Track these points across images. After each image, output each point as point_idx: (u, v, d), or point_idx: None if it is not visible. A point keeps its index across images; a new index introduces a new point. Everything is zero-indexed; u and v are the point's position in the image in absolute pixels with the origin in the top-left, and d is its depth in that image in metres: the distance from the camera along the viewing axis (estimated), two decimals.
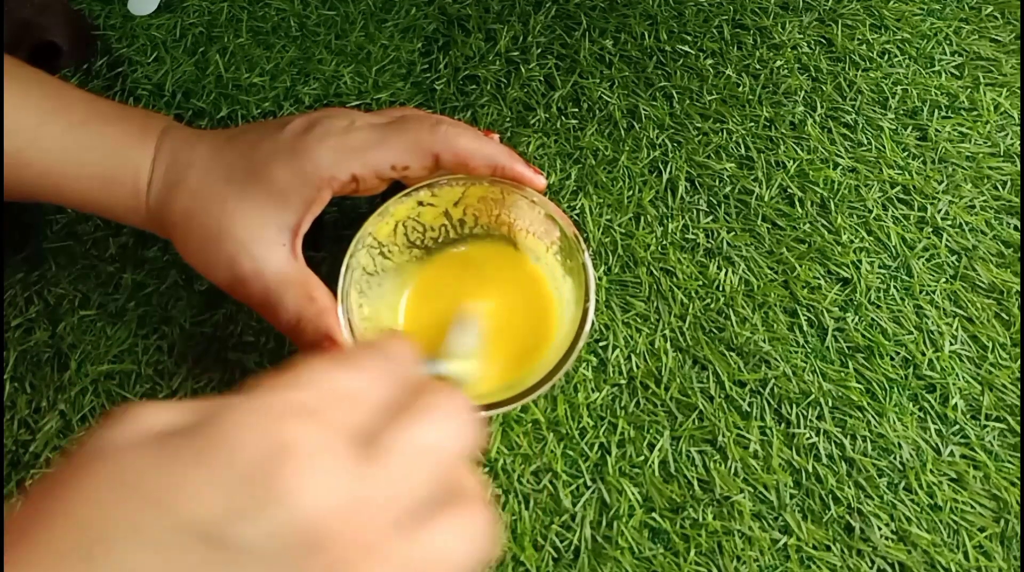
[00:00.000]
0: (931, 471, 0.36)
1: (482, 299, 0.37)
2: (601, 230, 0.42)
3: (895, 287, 0.41)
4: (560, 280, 0.36)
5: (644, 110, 0.46)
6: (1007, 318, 0.40)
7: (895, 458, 0.37)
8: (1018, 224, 0.42)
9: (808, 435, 0.37)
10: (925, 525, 0.35)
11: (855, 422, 0.37)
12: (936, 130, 0.45)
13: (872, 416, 0.37)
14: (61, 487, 0.17)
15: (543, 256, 0.37)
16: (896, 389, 0.38)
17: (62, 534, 0.16)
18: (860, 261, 0.41)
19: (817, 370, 0.39)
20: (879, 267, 0.41)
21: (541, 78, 0.47)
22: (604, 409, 0.38)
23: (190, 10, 0.49)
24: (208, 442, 0.17)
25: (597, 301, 0.39)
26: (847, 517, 0.35)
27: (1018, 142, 0.45)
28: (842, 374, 0.38)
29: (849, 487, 0.36)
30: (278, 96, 0.46)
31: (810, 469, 0.36)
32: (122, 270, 0.42)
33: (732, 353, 0.39)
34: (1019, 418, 0.37)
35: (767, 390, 0.38)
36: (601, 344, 0.39)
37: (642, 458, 0.37)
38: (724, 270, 0.41)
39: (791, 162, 0.44)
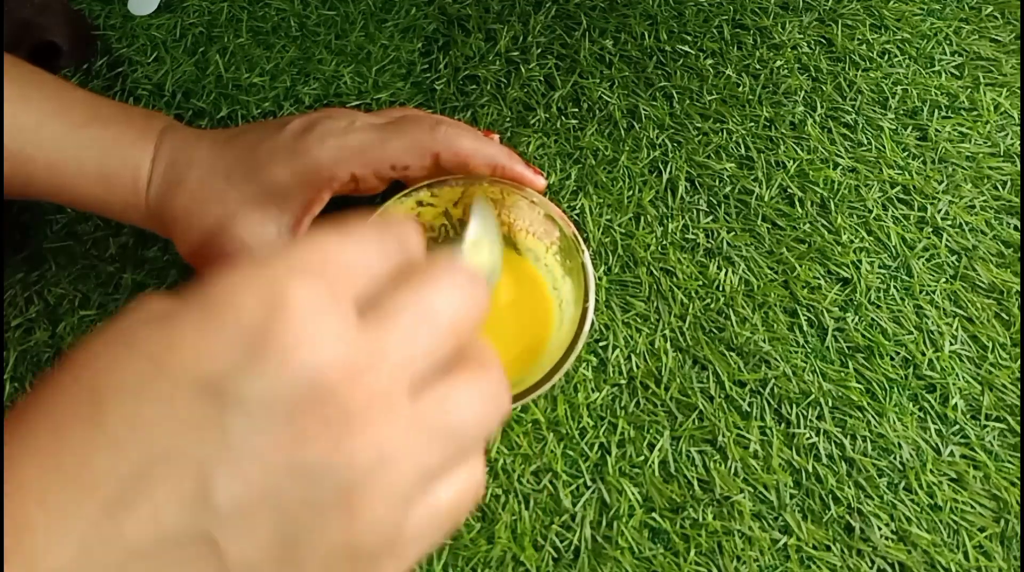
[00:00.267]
0: (931, 471, 0.36)
1: None
2: (601, 230, 0.42)
3: (895, 287, 0.41)
4: (560, 280, 0.36)
5: (644, 110, 0.46)
6: (1007, 318, 0.40)
7: (895, 458, 0.37)
8: (1018, 224, 0.42)
9: (808, 435, 0.37)
10: (925, 525, 0.35)
11: (855, 422, 0.37)
12: (936, 130, 0.45)
13: (872, 416, 0.37)
14: (70, 364, 0.17)
15: (543, 256, 0.37)
16: (896, 389, 0.38)
17: (70, 398, 0.16)
18: (860, 261, 0.41)
19: (817, 370, 0.39)
20: (879, 267, 0.41)
21: (541, 78, 0.47)
22: (604, 409, 0.38)
23: (190, 10, 0.49)
24: (208, 303, 0.17)
25: (597, 301, 0.39)
26: (847, 517, 0.35)
27: (1018, 142, 0.45)
28: (842, 374, 0.38)
29: (849, 487, 0.36)
30: (278, 96, 0.46)
31: (810, 469, 0.36)
32: (122, 270, 0.42)
33: (732, 353, 0.39)
34: (1019, 418, 0.37)
35: (767, 390, 0.38)
36: (601, 344, 0.39)
37: (642, 458, 0.37)
38: (724, 270, 0.41)
39: (791, 162, 0.44)
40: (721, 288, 0.41)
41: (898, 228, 0.42)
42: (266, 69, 0.47)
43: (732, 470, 0.36)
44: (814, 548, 0.35)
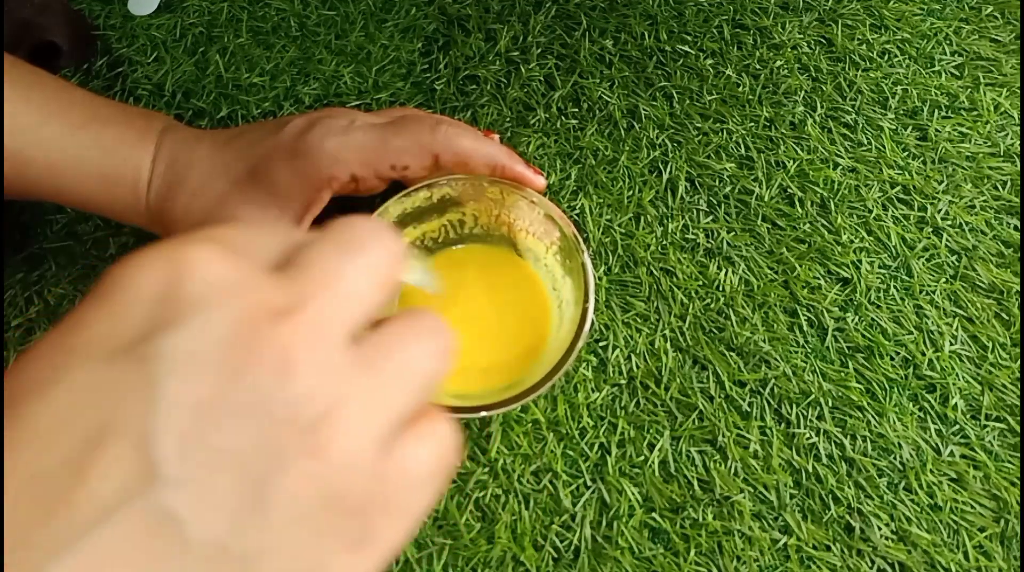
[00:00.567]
0: (931, 471, 0.36)
1: (481, 299, 0.37)
2: (601, 230, 0.42)
3: (895, 287, 0.41)
4: (560, 280, 0.36)
5: (644, 110, 0.46)
6: (1007, 318, 0.40)
7: (895, 458, 0.37)
8: (1018, 224, 0.42)
9: (808, 435, 0.37)
10: (925, 525, 0.35)
11: (855, 422, 0.37)
12: (936, 130, 0.45)
13: (872, 416, 0.37)
14: None
15: (543, 256, 0.37)
16: (896, 389, 0.38)
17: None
18: (860, 261, 0.41)
19: (817, 370, 0.39)
20: (879, 267, 0.41)
21: (541, 78, 0.47)
22: (604, 409, 0.38)
23: (190, 10, 0.49)
24: (102, 287, 0.16)
25: (597, 301, 0.39)
26: (847, 517, 0.35)
27: (1018, 142, 0.45)
28: (842, 374, 0.38)
29: (849, 487, 0.36)
30: (278, 96, 0.46)
31: (810, 469, 0.36)
32: None
33: (732, 353, 0.39)
34: (1019, 418, 0.37)
35: (767, 390, 0.38)
36: (601, 344, 0.39)
37: (642, 458, 0.37)
38: (724, 270, 0.41)
39: (791, 162, 0.44)
40: (721, 288, 0.41)
41: (898, 228, 0.42)
42: (266, 69, 0.47)
43: (732, 470, 0.36)
44: (814, 548, 0.35)
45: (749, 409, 0.38)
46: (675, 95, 0.46)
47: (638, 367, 0.39)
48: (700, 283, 0.41)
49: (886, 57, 0.48)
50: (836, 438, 0.37)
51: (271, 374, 0.15)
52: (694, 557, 0.35)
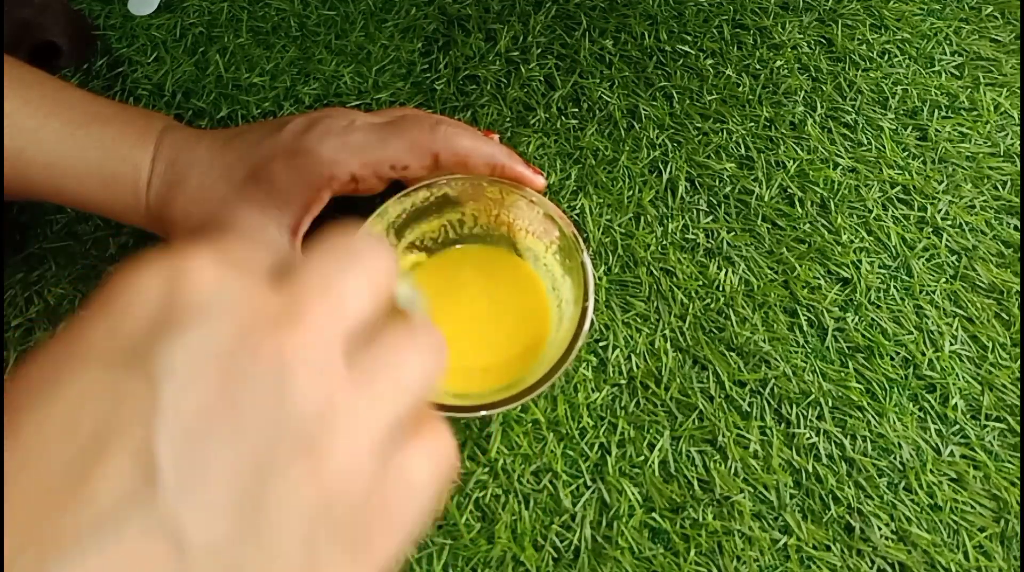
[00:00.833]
0: (931, 471, 0.36)
1: (481, 299, 0.37)
2: (601, 230, 0.42)
3: (895, 287, 0.41)
4: (560, 279, 0.36)
5: (644, 110, 0.46)
6: (1007, 318, 0.40)
7: (895, 458, 0.37)
8: (1018, 224, 0.42)
9: (808, 435, 0.37)
10: (925, 525, 0.35)
11: (855, 422, 0.37)
12: (936, 130, 0.45)
13: (872, 416, 0.37)
14: None
15: (542, 256, 0.37)
16: (896, 389, 0.38)
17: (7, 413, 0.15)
18: (860, 261, 0.41)
19: (817, 370, 0.39)
20: (879, 267, 0.41)
21: (541, 78, 0.47)
22: (604, 409, 0.38)
23: (190, 10, 0.49)
24: (103, 296, 0.16)
25: (597, 301, 0.39)
26: (847, 517, 0.35)
27: (1018, 142, 0.45)
28: (842, 374, 0.38)
29: (849, 487, 0.36)
30: (278, 96, 0.46)
31: (810, 469, 0.36)
32: None
33: (732, 353, 0.39)
34: (1019, 418, 0.37)
35: (767, 390, 0.38)
36: (601, 344, 0.39)
37: (642, 458, 0.37)
38: (724, 270, 0.41)
39: (791, 162, 0.44)
40: (721, 288, 0.41)
41: (898, 228, 0.42)
42: (266, 69, 0.47)
43: (732, 470, 0.36)
44: (814, 548, 0.35)
45: (749, 409, 0.38)
46: (675, 95, 0.46)
47: (638, 367, 0.39)
48: (700, 283, 0.41)
49: (886, 57, 0.48)
50: (836, 438, 0.37)
51: (268, 383, 0.15)
52: (694, 557, 0.35)
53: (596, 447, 0.37)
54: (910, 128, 0.45)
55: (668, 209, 0.43)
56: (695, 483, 0.36)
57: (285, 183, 0.34)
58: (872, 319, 0.40)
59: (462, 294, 0.37)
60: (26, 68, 0.36)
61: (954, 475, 0.36)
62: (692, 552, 0.35)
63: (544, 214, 0.35)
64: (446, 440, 0.19)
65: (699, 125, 0.45)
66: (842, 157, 0.44)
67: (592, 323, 0.32)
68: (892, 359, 0.39)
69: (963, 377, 0.38)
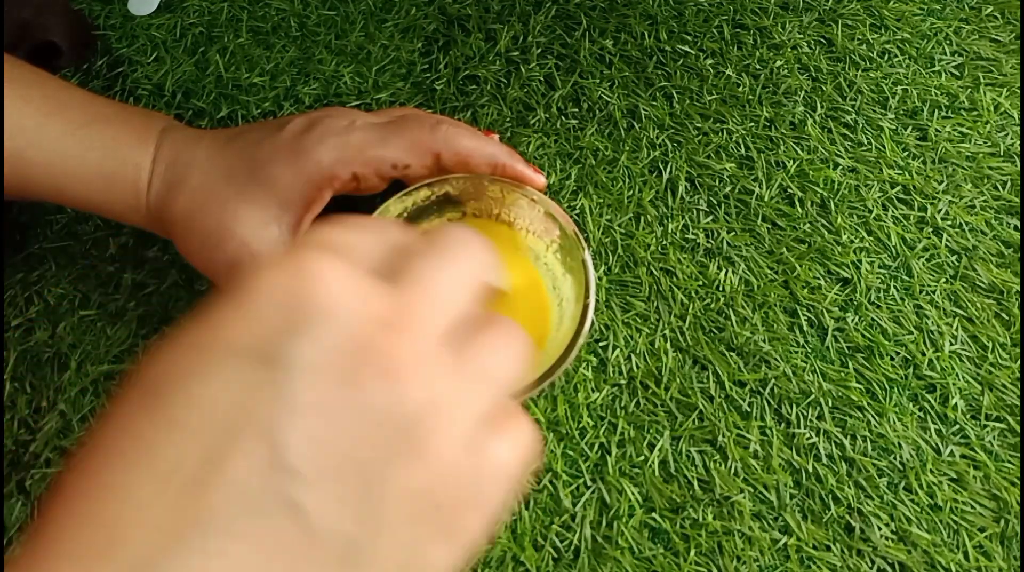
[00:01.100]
0: (931, 471, 0.36)
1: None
2: (601, 230, 0.42)
3: (895, 287, 0.41)
4: (560, 278, 0.36)
5: (644, 110, 0.46)
6: (1007, 318, 0.40)
7: (895, 458, 0.37)
8: (1018, 224, 0.42)
9: (808, 435, 0.37)
10: (925, 525, 0.35)
11: (855, 422, 0.37)
12: (936, 130, 0.45)
13: (872, 416, 0.37)
14: (128, 382, 0.17)
15: (543, 254, 0.37)
16: (896, 389, 0.38)
17: (129, 397, 0.17)
18: (860, 261, 0.41)
19: (817, 370, 0.39)
20: (879, 267, 0.41)
21: (541, 78, 0.47)
22: (604, 409, 0.38)
23: (190, 10, 0.49)
24: (239, 292, 0.17)
25: (597, 300, 0.39)
26: (847, 517, 0.35)
27: (1018, 142, 0.45)
28: (842, 374, 0.38)
29: (849, 487, 0.36)
30: (278, 96, 0.46)
31: (810, 469, 0.36)
32: (122, 270, 0.42)
33: (732, 353, 0.39)
34: (1019, 418, 0.37)
35: (767, 390, 0.38)
36: (601, 344, 0.39)
37: (642, 458, 0.37)
38: (724, 270, 0.41)
39: (791, 162, 0.44)
40: (721, 288, 0.41)
41: (898, 228, 0.42)
42: (266, 69, 0.47)
43: (732, 470, 0.36)
44: (814, 548, 0.35)
45: (749, 409, 0.38)
46: (675, 95, 0.46)
47: (638, 367, 0.39)
48: (700, 283, 0.41)
49: (886, 57, 0.48)
50: (836, 438, 0.37)
51: (379, 380, 0.17)
52: (694, 557, 0.35)
53: (596, 447, 0.37)
54: (910, 128, 0.45)
55: (668, 209, 0.43)
56: (695, 483, 0.36)
57: (286, 183, 0.34)
58: (872, 319, 0.40)
59: None
60: (27, 67, 0.36)
61: (954, 475, 0.36)
62: (692, 552, 0.35)
63: (545, 213, 0.35)
64: (528, 428, 0.20)
65: (699, 125, 0.45)
66: (842, 157, 0.44)
67: (592, 322, 0.32)
68: (892, 359, 0.39)
69: (963, 377, 0.38)
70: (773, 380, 0.38)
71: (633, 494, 0.36)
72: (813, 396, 0.38)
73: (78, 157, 0.34)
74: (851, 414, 0.38)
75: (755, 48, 0.48)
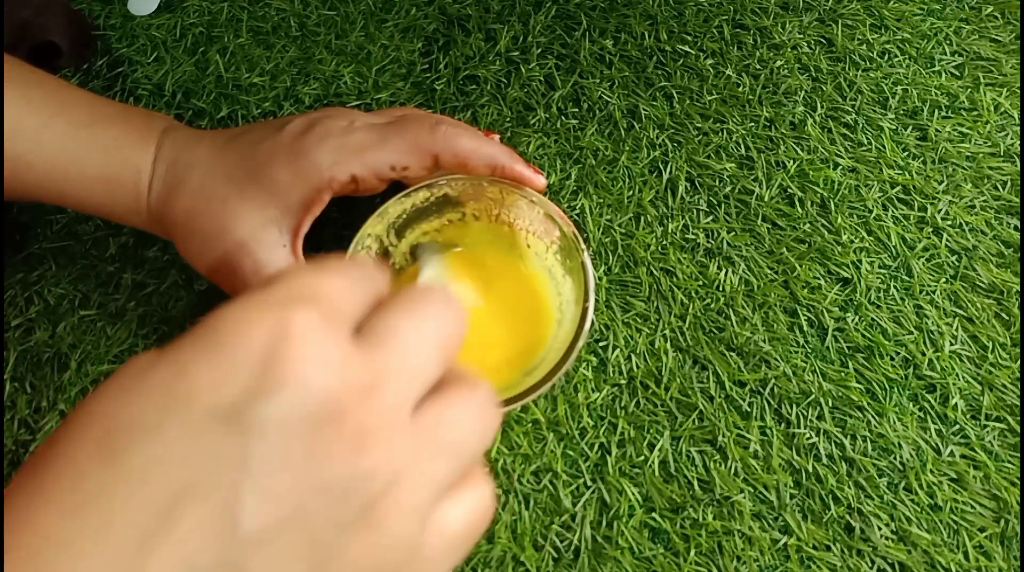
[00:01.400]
0: (931, 471, 0.36)
1: (481, 299, 0.37)
2: (601, 230, 0.42)
3: (895, 287, 0.41)
4: (560, 280, 0.36)
5: (644, 110, 0.46)
6: (1007, 318, 0.40)
7: (895, 458, 0.37)
8: (1018, 224, 0.42)
9: (808, 435, 0.37)
10: (925, 525, 0.35)
11: (855, 422, 0.37)
12: (936, 130, 0.45)
13: (872, 416, 0.37)
14: (80, 409, 0.17)
15: (543, 255, 0.37)
16: (896, 389, 0.38)
17: (81, 446, 0.16)
18: (860, 261, 0.41)
19: (817, 370, 0.39)
20: (879, 267, 0.41)
21: (541, 78, 0.47)
22: (604, 409, 0.38)
23: (190, 10, 0.49)
24: (209, 340, 0.17)
25: (597, 301, 0.39)
26: (847, 517, 0.35)
27: (1018, 142, 0.45)
28: (842, 374, 0.38)
29: (849, 487, 0.36)
30: (278, 96, 0.46)
31: (810, 469, 0.36)
32: (122, 270, 0.42)
33: (732, 353, 0.39)
34: (1019, 418, 0.37)
35: (767, 390, 0.38)
36: (601, 344, 0.39)
37: (642, 458, 0.37)
38: (724, 270, 0.41)
39: (791, 162, 0.44)
40: (721, 288, 0.41)
41: (898, 228, 0.42)
42: (266, 69, 0.47)
43: (732, 470, 0.36)
44: (814, 548, 0.35)
45: (749, 409, 0.38)
46: (675, 95, 0.46)
47: (638, 367, 0.39)
48: (700, 283, 0.41)
49: (886, 57, 0.48)
50: (836, 438, 0.37)
51: (343, 452, 0.17)
52: (694, 557, 0.35)
53: (596, 447, 0.37)
54: (910, 128, 0.45)
55: (668, 209, 0.43)
56: (695, 483, 0.36)
57: (285, 184, 0.34)
58: (872, 319, 0.40)
59: (463, 295, 0.37)
60: (27, 68, 0.36)
61: (954, 475, 0.36)
62: (692, 552, 0.35)
63: (544, 214, 0.35)
64: (485, 492, 0.20)
65: (699, 125, 0.45)
66: (842, 157, 0.44)
67: (592, 323, 0.32)
68: (892, 359, 0.39)
69: (963, 377, 0.38)
70: (773, 380, 0.38)
71: (633, 494, 0.36)
72: (813, 396, 0.38)
73: (79, 158, 0.34)
74: (851, 414, 0.38)
75: (755, 48, 0.48)
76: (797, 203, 0.43)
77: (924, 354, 0.39)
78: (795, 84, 0.46)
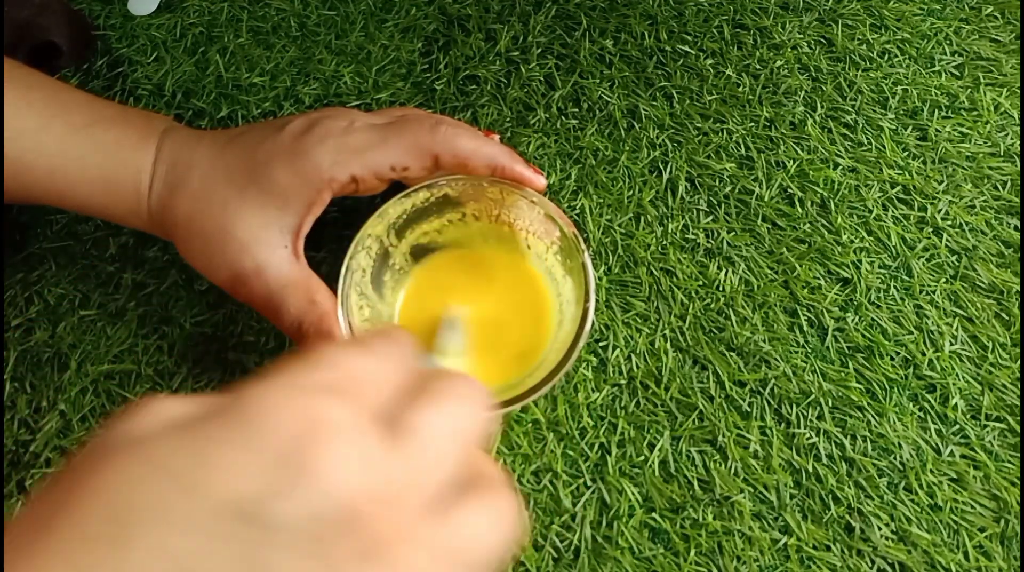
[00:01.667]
0: (931, 471, 0.36)
1: (481, 299, 0.37)
2: (601, 230, 0.42)
3: (895, 287, 0.41)
4: (560, 280, 0.36)
5: (644, 110, 0.46)
6: (1007, 318, 0.40)
7: (895, 458, 0.37)
8: (1018, 224, 0.42)
9: (808, 435, 0.37)
10: (925, 525, 0.35)
11: (855, 422, 0.37)
12: (936, 130, 0.45)
13: (872, 416, 0.37)
14: (83, 476, 0.16)
15: (543, 256, 0.37)
16: (896, 389, 0.38)
17: (88, 519, 0.15)
18: (860, 261, 0.41)
19: (817, 370, 0.39)
20: (879, 267, 0.41)
21: (541, 78, 0.47)
22: (604, 409, 0.38)
23: (190, 10, 0.49)
24: (238, 421, 0.17)
25: (597, 301, 0.39)
26: (847, 517, 0.35)
27: (1018, 142, 0.45)
28: (842, 374, 0.38)
29: (849, 487, 0.36)
30: (278, 96, 0.46)
31: (810, 469, 0.36)
32: (122, 270, 0.42)
33: (732, 353, 0.39)
34: (1019, 418, 0.37)
35: (767, 390, 0.38)
36: (601, 344, 0.39)
37: (642, 458, 0.37)
38: (724, 270, 0.41)
39: (791, 162, 0.44)
40: (721, 288, 0.41)
41: (898, 228, 0.42)
42: (266, 69, 0.47)
43: (732, 470, 0.36)
44: (814, 548, 0.35)
45: (749, 409, 0.38)
46: (675, 95, 0.46)
47: (638, 367, 0.39)
48: (700, 283, 0.41)
49: (886, 57, 0.48)
50: (836, 438, 0.37)
51: (358, 561, 0.16)
52: (694, 557, 0.35)
53: (596, 447, 0.37)
54: (910, 128, 0.45)
55: (668, 209, 0.43)
56: (695, 483, 0.36)
57: (285, 185, 0.34)
58: (872, 319, 0.40)
59: (462, 295, 0.37)
60: (25, 69, 0.36)
61: (954, 475, 0.36)
62: (692, 552, 0.35)
63: (545, 214, 0.35)
64: (511, 504, 0.20)
65: (699, 125, 0.45)
66: (842, 157, 0.44)
67: (593, 323, 0.32)
68: (892, 359, 0.39)
69: (963, 377, 0.38)
70: (773, 380, 0.38)
71: (633, 494, 0.36)
72: (813, 396, 0.38)
73: (79, 159, 0.34)
74: (851, 414, 0.38)
75: (755, 48, 0.48)
76: (797, 203, 0.43)
77: (924, 354, 0.39)
78: (795, 84, 0.46)
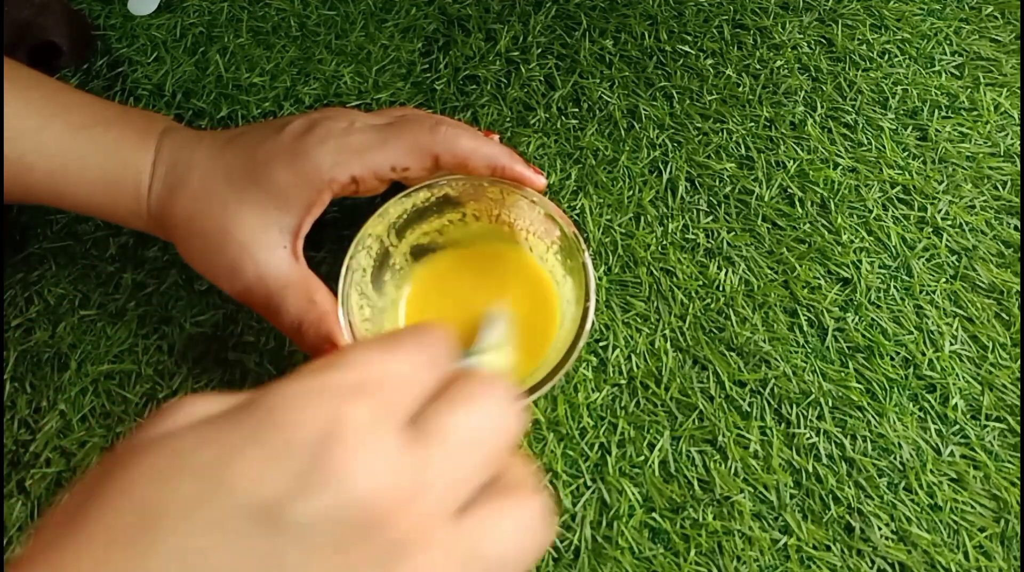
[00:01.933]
0: (931, 471, 0.36)
1: (481, 299, 0.37)
2: (601, 230, 0.42)
3: (895, 287, 0.41)
4: (561, 280, 0.36)
5: (644, 110, 0.46)
6: (1007, 318, 0.40)
7: (895, 458, 0.37)
8: (1018, 224, 0.42)
9: (808, 435, 0.37)
10: (925, 525, 0.35)
11: (855, 422, 0.37)
12: (936, 130, 0.45)
13: (872, 416, 0.37)
14: (109, 476, 0.16)
15: (544, 256, 0.37)
16: (896, 389, 0.38)
17: (113, 518, 0.16)
18: (860, 261, 0.41)
19: (817, 370, 0.39)
20: (879, 267, 0.41)
21: (541, 78, 0.47)
22: (604, 409, 0.38)
23: (190, 10, 0.49)
24: (263, 421, 0.17)
25: (597, 301, 0.39)
26: (847, 517, 0.35)
27: (1018, 142, 0.45)
28: (842, 374, 0.38)
29: (849, 487, 0.36)
30: (278, 96, 0.46)
31: (810, 469, 0.36)
32: (122, 270, 0.42)
33: (732, 353, 0.39)
34: (1019, 418, 0.37)
35: (767, 390, 0.38)
36: (601, 344, 0.39)
37: (642, 458, 0.37)
38: (724, 270, 0.41)
39: (791, 162, 0.44)
40: (721, 288, 0.41)
41: (898, 228, 0.42)
42: (266, 69, 0.47)
43: (732, 470, 0.36)
44: (814, 548, 0.35)
45: (749, 409, 0.38)
46: (675, 95, 0.46)
47: (638, 367, 0.39)
48: (700, 283, 0.41)
49: (886, 57, 0.48)
50: (836, 438, 0.37)
51: (380, 562, 0.16)
52: (694, 557, 0.35)
53: (596, 447, 0.37)
54: (910, 128, 0.45)
55: (668, 209, 0.43)
56: (695, 483, 0.36)
57: (285, 185, 0.34)
58: (872, 319, 0.40)
59: (462, 295, 0.37)
60: (25, 70, 0.36)
61: (954, 475, 0.36)
62: (692, 552, 0.35)
63: (545, 214, 0.35)
64: (538, 509, 0.19)
65: (699, 125, 0.45)
66: (842, 157, 0.44)
67: (593, 323, 0.32)
68: (892, 359, 0.39)
69: (963, 377, 0.38)
70: (773, 380, 0.38)
71: (633, 494, 0.36)
72: (813, 396, 0.38)
73: (79, 160, 0.34)
74: (851, 414, 0.38)
75: (755, 48, 0.48)
76: (797, 203, 0.43)
77: (924, 354, 0.39)
78: (795, 84, 0.46)
